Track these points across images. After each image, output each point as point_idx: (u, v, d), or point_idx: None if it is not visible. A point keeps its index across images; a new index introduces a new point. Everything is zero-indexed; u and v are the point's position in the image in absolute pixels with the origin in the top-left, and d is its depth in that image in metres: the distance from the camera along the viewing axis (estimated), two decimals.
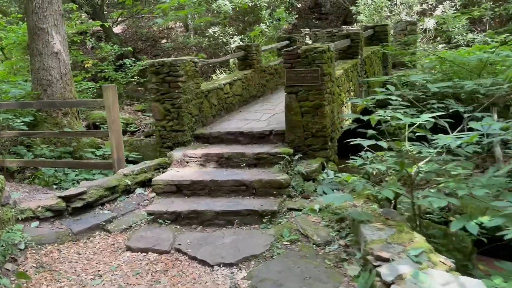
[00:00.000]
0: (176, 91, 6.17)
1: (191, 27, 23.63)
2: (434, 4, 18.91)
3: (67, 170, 7.26)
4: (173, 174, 5.65)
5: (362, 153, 4.76)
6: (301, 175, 5.19)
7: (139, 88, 14.72)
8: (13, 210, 4.72)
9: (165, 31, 28.55)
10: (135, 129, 12.21)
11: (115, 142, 6.09)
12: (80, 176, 7.25)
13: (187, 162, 5.92)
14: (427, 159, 4.01)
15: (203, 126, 6.72)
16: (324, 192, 4.98)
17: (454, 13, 18.46)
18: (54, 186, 7.04)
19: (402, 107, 5.06)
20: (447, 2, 18.81)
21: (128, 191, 5.73)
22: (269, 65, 9.03)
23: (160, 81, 6.22)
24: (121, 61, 13.47)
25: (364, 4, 20.48)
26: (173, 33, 28.39)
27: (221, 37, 20.09)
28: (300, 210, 4.63)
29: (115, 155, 6.14)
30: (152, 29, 29.01)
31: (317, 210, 4.50)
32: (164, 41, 27.53)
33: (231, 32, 20.48)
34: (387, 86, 5.22)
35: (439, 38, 19.77)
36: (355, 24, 21.68)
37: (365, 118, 4.88)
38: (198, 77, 6.60)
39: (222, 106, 7.31)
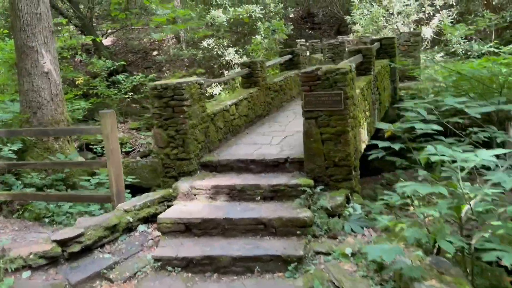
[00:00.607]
0: (181, 116, 5.63)
1: (183, 39, 23.18)
2: (431, 13, 18.66)
3: (60, 202, 6.64)
4: (180, 210, 5.09)
5: (397, 188, 4.27)
6: (325, 211, 4.66)
7: (133, 105, 14.13)
8: (1, 261, 4.12)
9: (156, 43, 28.04)
10: (130, 149, 11.60)
11: (114, 173, 5.52)
12: (74, 208, 6.64)
13: (195, 195, 5.36)
14: (478, 197, 3.52)
15: (209, 152, 6.17)
16: (352, 231, 4.46)
17: (452, 22, 18.25)
18: (46, 220, 6.43)
19: (434, 132, 4.59)
20: (444, 11, 18.60)
21: (129, 229, 5.16)
22: (273, 81, 8.54)
23: (163, 105, 5.67)
24: (114, 76, 12.88)
25: (360, 14, 20.21)
26: (165, 45, 27.89)
27: (215, 49, 19.63)
28: (329, 254, 4.10)
29: (114, 187, 5.55)
30: (143, 41, 28.48)
31: (349, 255, 3.97)
32: (155, 53, 27.00)
33: (225, 44, 20.05)
34: (418, 110, 4.75)
35: (436, 47, 19.54)
36: (351, 34, 21.38)
37: (396, 146, 4.39)
38: (203, 100, 6.07)
39: (228, 129, 6.77)
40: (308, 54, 14.63)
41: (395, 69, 9.68)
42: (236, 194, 5.17)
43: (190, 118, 5.70)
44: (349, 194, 4.95)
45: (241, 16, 17.36)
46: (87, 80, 12.56)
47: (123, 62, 13.97)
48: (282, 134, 6.72)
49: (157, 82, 5.75)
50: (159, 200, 5.50)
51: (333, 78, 4.80)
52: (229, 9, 18.21)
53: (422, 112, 4.59)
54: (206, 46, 19.42)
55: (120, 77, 12.72)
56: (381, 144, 4.53)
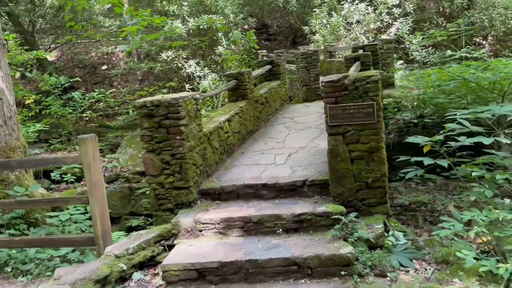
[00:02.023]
0: (177, 137, 4.75)
1: (137, 51, 21.99)
2: (390, 22, 18.86)
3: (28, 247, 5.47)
4: (187, 251, 4.21)
5: (453, 212, 3.68)
6: (365, 242, 3.98)
7: (92, 124, 12.85)
8: None
9: (105, 56, 26.54)
10: None
11: (98, 211, 4.52)
12: (43, 252, 5.49)
13: (200, 231, 4.49)
14: None
15: (208, 178, 5.32)
16: (401, 265, 3.80)
17: (409, 30, 18.53)
18: (9, 269, 5.25)
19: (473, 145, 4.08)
20: (401, 19, 18.87)
21: (123, 278, 4.20)
22: (260, 94, 7.82)
23: (155, 125, 4.78)
24: (69, 94, 11.60)
25: (319, 23, 20.10)
26: (115, 59, 26.47)
27: (175, 62, 18.66)
28: None
29: (99, 228, 4.55)
30: (90, 55, 26.84)
31: None
32: (104, 67, 25.51)
33: (185, 56, 19.12)
34: (459, 121, 4.22)
35: (395, 55, 19.74)
36: (312, 44, 21.23)
37: (444, 163, 3.82)
38: (200, 118, 5.23)
39: (224, 149, 5.95)
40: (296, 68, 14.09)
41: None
42: (252, 227, 4.37)
43: (187, 140, 4.84)
44: (386, 220, 4.30)
45: (195, 25, 16.54)
46: (39, 99, 11.18)
47: (78, 79, 12.66)
48: (284, 152, 6.00)
49: (146, 99, 4.85)
50: (155, 239, 4.57)
51: (363, 88, 4.16)
52: (188, 19, 17.35)
53: (466, 123, 4.05)
54: (165, 58, 18.41)
55: (76, 94, 11.47)
56: (427, 161, 3.94)
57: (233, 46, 15.86)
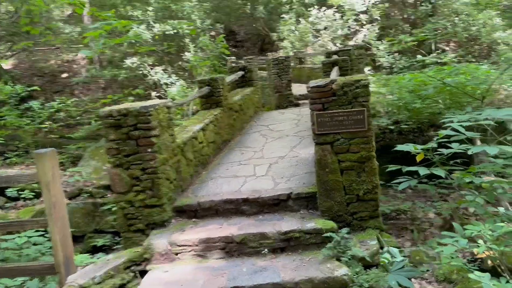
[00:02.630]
0: (149, 150, 4.28)
1: (96, 58, 21.14)
2: (358, 28, 18.98)
3: None
4: (161, 279, 3.75)
5: (456, 225, 3.40)
6: (360, 261, 3.64)
7: (52, 136, 12.05)
8: None
9: (66, 64, 25.42)
10: None
11: (59, 235, 3.97)
12: None
13: (177, 254, 4.03)
14: None
15: (182, 193, 4.86)
16: (400, 285, 3.48)
17: (376, 36, 18.70)
18: None
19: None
20: (368, 25, 19.02)
21: None
22: (234, 101, 7.43)
23: (122, 137, 4.29)
24: (27, 104, 10.79)
25: (288, 30, 20.00)
26: (76, 66, 25.40)
27: (140, 69, 17.99)
28: None
29: (60, 254, 3.99)
30: (50, 63, 25.64)
31: None
32: (65, 75, 24.40)
33: (151, 62, 18.50)
34: (452, 126, 3.97)
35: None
36: (281, 51, 21.08)
37: (441, 173, 3.56)
38: (173, 127, 4.78)
39: (199, 160, 5.51)
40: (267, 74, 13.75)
41: None
42: (234, 248, 3.95)
43: (160, 152, 4.37)
44: (379, 235, 3.99)
45: (161, 31, 16.04)
46: None
47: (36, 87, 11.84)
48: (263, 162, 5.62)
49: (112, 107, 4.36)
50: (125, 265, 4.06)
51: (352, 93, 3.84)
52: (154, 25, 16.79)
53: (461, 129, 3.80)
54: (130, 65, 17.72)
55: (35, 104, 10.68)
56: (422, 171, 3.65)
57: (200, 54, 15.43)
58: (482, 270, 4.00)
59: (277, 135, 6.87)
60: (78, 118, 13.63)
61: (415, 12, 20.05)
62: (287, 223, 4.03)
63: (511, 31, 17.76)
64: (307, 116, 8.00)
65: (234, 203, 4.48)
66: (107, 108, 4.34)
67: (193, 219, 4.53)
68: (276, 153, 5.91)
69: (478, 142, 7.62)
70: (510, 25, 19.08)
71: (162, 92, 17.40)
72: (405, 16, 21.40)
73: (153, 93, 17.82)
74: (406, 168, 3.86)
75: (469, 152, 3.45)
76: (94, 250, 7.63)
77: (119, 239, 7.60)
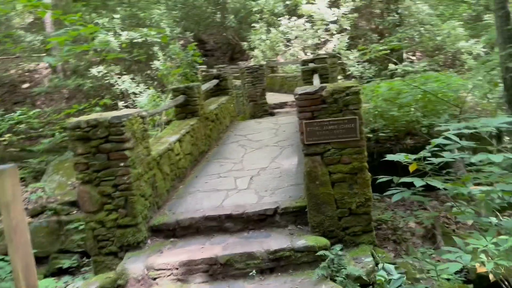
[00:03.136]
0: (121, 164, 3.89)
1: (60, 67, 20.30)
2: (328, 38, 19.07)
3: None
4: None
5: (457, 240, 3.20)
6: (356, 280, 3.38)
7: (12, 149, 11.28)
8: None
9: (27, 73, 24.33)
10: None
11: (21, 263, 3.47)
12: None
13: (154, 279, 3.65)
14: None
15: (158, 210, 4.48)
16: None
17: (346, 45, 18.86)
18: None
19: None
20: (337, 35, 19.16)
21: None
22: (210, 110, 7.10)
23: (92, 151, 3.88)
24: None
25: (258, 39, 19.89)
26: (37, 76, 24.36)
27: (107, 78, 17.36)
28: None
29: (22, 284, 3.52)
30: (9, 72, 24.48)
31: None
32: (26, 85, 23.33)
33: (118, 71, 17.90)
34: (446, 135, 3.80)
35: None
36: (252, 60, 20.92)
37: (438, 184, 3.37)
38: (148, 139, 4.40)
39: (176, 174, 5.14)
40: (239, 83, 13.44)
41: None
42: (219, 270, 3.60)
43: (133, 166, 3.99)
44: (373, 251, 3.75)
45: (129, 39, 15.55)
46: None
47: None
48: (244, 174, 5.30)
49: (80, 118, 3.95)
50: None
51: (343, 100, 3.61)
52: (121, 32, 16.24)
53: (455, 138, 3.64)
54: (96, 74, 17.05)
55: None
56: (418, 182, 3.44)
57: (168, 63, 15.00)
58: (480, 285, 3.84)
59: (256, 146, 6.58)
60: (40, 130, 12.88)
61: (383, 22, 20.38)
62: (275, 241, 3.72)
63: (473, 41, 18.33)
64: (285, 126, 7.79)
65: (216, 220, 4.14)
66: (75, 119, 3.93)
67: (171, 239, 4.15)
68: (257, 165, 5.61)
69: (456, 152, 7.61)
70: (472, 35, 19.71)
71: (130, 101, 16.83)
72: (373, 26, 21.74)
73: (121, 103, 17.20)
74: (400, 179, 3.65)
75: (471, 161, 3.27)
76: (60, 272, 7.07)
77: (87, 259, 7.06)
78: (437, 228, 6.57)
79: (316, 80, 5.27)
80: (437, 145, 3.44)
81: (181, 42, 27.04)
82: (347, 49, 18.52)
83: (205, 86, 7.16)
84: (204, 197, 4.71)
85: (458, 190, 3.64)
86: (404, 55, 20.11)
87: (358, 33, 21.06)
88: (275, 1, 19.18)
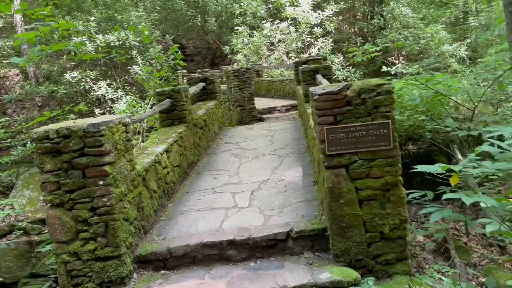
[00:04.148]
0: (100, 182, 3.16)
1: (31, 73, 19.21)
2: (312, 42, 18.61)
3: None
4: None
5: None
6: None
7: None
8: None
9: None
10: None
11: None
12: None
13: None
14: None
15: (145, 235, 3.75)
16: None
17: (330, 49, 18.44)
18: None
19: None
20: (321, 39, 18.75)
21: None
22: (198, 116, 6.39)
23: (64, 166, 3.14)
24: None
25: (242, 43, 19.28)
26: (8, 83, 23.12)
27: (82, 83, 16.42)
28: None
29: None
30: None
31: None
32: None
33: (94, 77, 16.98)
34: (490, 140, 3.22)
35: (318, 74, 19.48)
36: (235, 64, 20.27)
37: (489, 202, 2.79)
38: (131, 150, 3.67)
39: (163, 190, 4.41)
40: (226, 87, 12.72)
41: None
42: None
43: (115, 184, 3.26)
44: (410, 283, 3.11)
45: (105, 42, 14.74)
46: None
47: None
48: (243, 189, 4.62)
49: (49, 127, 3.20)
50: None
51: (373, 101, 2.98)
52: (97, 36, 15.37)
53: (501, 144, 3.06)
54: (70, 79, 16.10)
55: None
56: (468, 199, 2.84)
57: (148, 67, 14.22)
58: None
59: (252, 155, 5.90)
60: (9, 140, 11.87)
61: (367, 25, 20.07)
62: (291, 274, 3.05)
63: (457, 45, 18.25)
64: (280, 132, 7.15)
65: (216, 247, 3.44)
66: (42, 128, 3.18)
67: (162, 271, 3.43)
68: (256, 177, 4.94)
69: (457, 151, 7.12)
70: (455, 38, 19.61)
71: (107, 108, 15.98)
72: (356, 30, 21.46)
73: (97, 110, 16.28)
74: (447, 196, 3.05)
75: None
76: None
77: None
78: (449, 241, 5.97)
79: (323, 80, 4.64)
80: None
81: (160, 46, 26.16)
82: (331, 53, 18.10)
83: (192, 90, 6.45)
84: (199, 217, 4.00)
85: (503, 207, 3.07)
86: (389, 59, 19.85)
87: (342, 37, 20.72)
88: (258, 3, 18.61)
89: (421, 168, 3.30)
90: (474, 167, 3.30)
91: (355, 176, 3.06)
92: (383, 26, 19.36)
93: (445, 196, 3.17)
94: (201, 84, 7.73)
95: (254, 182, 4.78)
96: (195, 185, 5.00)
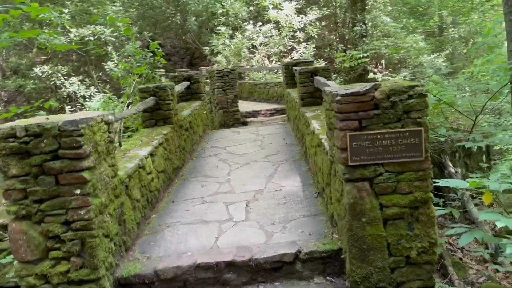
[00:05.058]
0: (77, 191, 2.63)
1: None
2: (294, 46, 18.33)
3: None
4: None
5: None
6: None
7: None
8: None
9: None
10: None
11: None
12: None
13: None
14: None
15: (127, 252, 3.22)
16: None
17: (313, 54, 18.22)
18: None
19: None
20: (303, 44, 18.51)
21: None
22: (184, 116, 5.87)
23: (33, 171, 2.59)
24: None
25: (223, 44, 18.81)
26: None
27: (53, 79, 15.53)
28: None
29: None
30: None
31: None
32: None
33: (65, 72, 16.11)
34: None
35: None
36: (215, 65, 19.74)
37: None
38: (114, 153, 3.14)
39: (147, 199, 3.88)
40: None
41: None
42: None
43: (95, 194, 2.73)
44: None
45: (78, 37, 14.03)
46: None
47: None
48: (237, 199, 4.14)
49: (16, 123, 2.64)
50: None
51: (404, 105, 2.58)
52: (70, 30, 14.56)
53: None
54: (40, 74, 15.19)
55: None
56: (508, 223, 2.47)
57: (126, 63, 13.54)
58: None
59: (242, 161, 5.43)
60: None
61: (349, 33, 19.97)
62: None
63: (435, 55, 18.44)
64: (270, 137, 6.70)
65: (212, 270, 2.95)
66: (8, 125, 2.61)
67: None
68: (250, 185, 4.47)
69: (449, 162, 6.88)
70: (433, 49, 19.80)
71: (79, 106, 15.18)
72: (337, 37, 21.36)
73: (68, 108, 15.42)
74: (483, 216, 2.68)
75: None
76: None
77: None
78: (445, 257, 5.64)
79: (330, 82, 4.23)
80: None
81: (139, 42, 25.31)
82: (313, 59, 17.86)
83: (177, 88, 5.93)
84: (189, 232, 3.50)
85: None
86: (368, 68, 19.77)
87: (324, 43, 20.53)
88: (241, 4, 18.21)
89: (443, 182, 2.92)
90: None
91: (380, 191, 2.64)
92: (364, 34, 19.29)
93: (482, 217, 2.81)
94: (186, 83, 7.21)
95: (249, 191, 4.31)
96: (182, 193, 4.48)
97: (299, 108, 5.67)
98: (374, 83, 2.61)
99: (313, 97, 5.43)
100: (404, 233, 2.66)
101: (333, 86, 3.60)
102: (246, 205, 3.96)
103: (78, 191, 2.64)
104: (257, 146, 6.18)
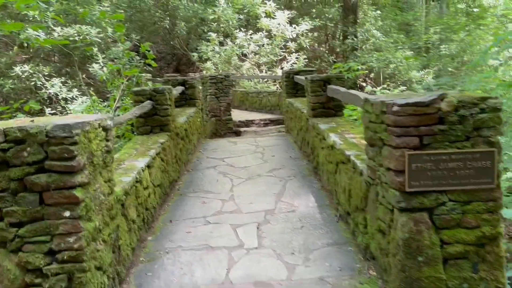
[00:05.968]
0: (66, 214, 2.08)
1: None
2: (285, 56, 18.00)
3: None
4: None
5: None
6: None
7: None
8: None
9: None
10: None
11: None
12: None
13: None
14: None
15: (120, 285, 2.65)
16: None
17: (304, 65, 17.91)
18: None
19: None
20: (294, 54, 18.22)
21: None
22: (180, 124, 5.33)
23: (12, 187, 2.04)
24: None
25: (212, 51, 18.34)
26: None
27: (34, 79, 14.74)
28: None
29: None
30: None
31: None
32: None
33: (47, 73, 15.33)
34: None
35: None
36: (204, 72, 19.22)
37: None
38: (111, 165, 2.59)
39: (143, 219, 3.33)
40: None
41: None
42: None
43: (87, 217, 2.18)
44: None
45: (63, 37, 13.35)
46: None
47: None
48: (245, 220, 3.62)
49: None
50: None
51: (474, 120, 2.14)
52: (54, 28, 13.86)
53: None
54: (20, 74, 14.38)
55: None
56: None
57: (113, 65, 12.91)
58: None
59: (245, 175, 4.92)
60: None
61: (340, 45, 19.78)
62: None
63: (425, 72, 18.46)
64: (270, 149, 6.21)
65: None
66: None
67: None
68: (257, 204, 3.96)
69: None
70: (423, 65, 19.76)
71: (59, 108, 14.42)
72: (326, 50, 21.17)
73: (47, 110, 14.61)
74: None
75: None
76: None
77: None
78: None
79: (355, 91, 3.78)
80: None
81: (128, 42, 24.52)
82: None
83: (173, 92, 5.39)
84: (194, 261, 2.96)
85: None
86: (382, 78, 19.55)
87: (315, 54, 20.28)
88: (233, 10, 17.82)
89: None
90: None
91: (441, 224, 2.18)
92: (356, 47, 19.12)
93: None
94: (180, 88, 6.68)
95: (257, 211, 3.80)
96: (180, 211, 3.93)
97: (307, 119, 5.21)
98: (440, 93, 2.15)
99: (325, 108, 4.97)
100: (467, 275, 2.20)
101: (360, 95, 3.16)
102: (257, 228, 3.45)
103: (67, 214, 2.09)
104: (259, 158, 5.68)
